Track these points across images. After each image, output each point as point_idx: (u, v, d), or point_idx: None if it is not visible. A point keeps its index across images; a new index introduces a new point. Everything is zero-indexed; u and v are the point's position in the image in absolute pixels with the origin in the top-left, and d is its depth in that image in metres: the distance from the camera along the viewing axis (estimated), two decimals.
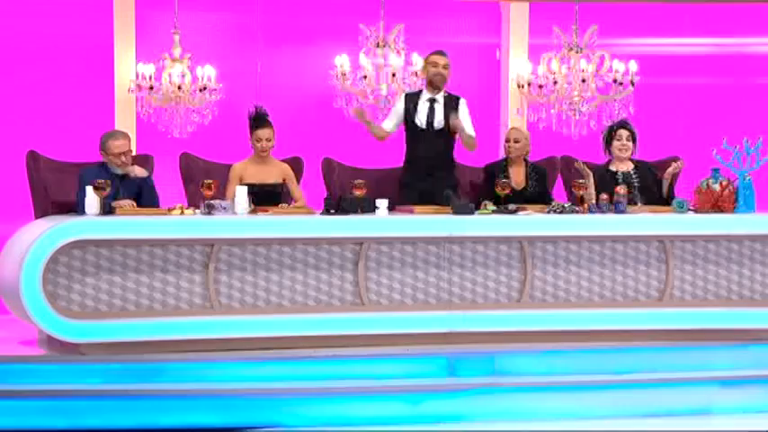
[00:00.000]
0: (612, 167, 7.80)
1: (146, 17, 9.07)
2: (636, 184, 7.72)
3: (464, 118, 7.70)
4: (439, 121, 7.64)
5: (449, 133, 7.68)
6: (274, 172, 7.43)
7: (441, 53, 7.72)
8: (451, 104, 7.66)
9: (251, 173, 7.37)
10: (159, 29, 8.93)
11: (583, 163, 7.66)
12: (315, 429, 6.12)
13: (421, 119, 7.62)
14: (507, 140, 7.84)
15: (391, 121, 7.71)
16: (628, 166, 7.80)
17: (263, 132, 7.38)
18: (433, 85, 7.66)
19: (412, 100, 7.67)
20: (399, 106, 7.72)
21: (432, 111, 7.63)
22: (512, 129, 8.02)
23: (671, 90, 9.88)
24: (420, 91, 7.75)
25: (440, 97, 7.68)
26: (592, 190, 7.52)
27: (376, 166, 8.15)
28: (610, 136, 7.84)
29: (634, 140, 7.81)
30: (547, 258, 6.89)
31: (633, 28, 9.75)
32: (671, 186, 7.77)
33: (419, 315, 6.74)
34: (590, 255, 6.93)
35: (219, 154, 8.28)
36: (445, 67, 7.66)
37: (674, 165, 7.64)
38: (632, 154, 7.84)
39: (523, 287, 6.85)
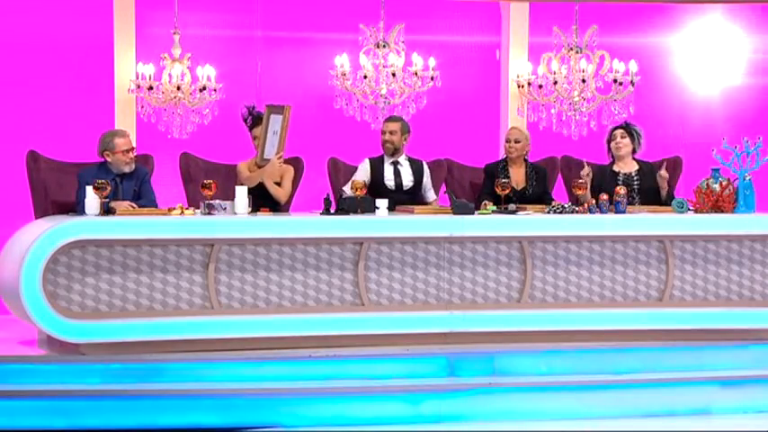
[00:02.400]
0: (615, 168, 7.81)
1: (146, 17, 9.06)
2: (636, 187, 7.72)
3: (426, 182, 7.82)
4: (407, 182, 7.73)
5: (415, 192, 7.77)
6: (275, 172, 7.42)
7: (392, 119, 7.82)
8: (416, 167, 7.76)
9: (254, 170, 7.40)
10: (159, 29, 8.92)
11: (588, 166, 7.68)
12: (315, 429, 6.13)
13: (389, 181, 7.70)
14: (507, 140, 7.85)
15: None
16: (631, 168, 7.80)
17: (257, 131, 7.45)
18: (385, 151, 7.75)
19: (376, 165, 7.73)
20: (366, 168, 7.73)
21: (398, 173, 7.72)
22: (512, 129, 8.03)
23: (671, 90, 9.88)
24: (381, 156, 7.80)
25: (402, 160, 7.77)
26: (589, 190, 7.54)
27: None
28: (609, 138, 7.89)
29: (632, 137, 7.81)
30: (547, 258, 6.89)
31: (633, 28, 9.75)
32: (669, 193, 7.76)
33: (419, 315, 6.74)
34: (590, 255, 6.93)
35: (219, 154, 8.28)
36: (392, 133, 7.71)
37: (659, 176, 7.68)
38: (634, 152, 7.85)
39: (523, 287, 6.85)
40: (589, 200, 7.35)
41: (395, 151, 7.74)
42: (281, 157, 7.27)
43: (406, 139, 7.77)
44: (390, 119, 7.85)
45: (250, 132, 7.60)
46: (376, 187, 7.68)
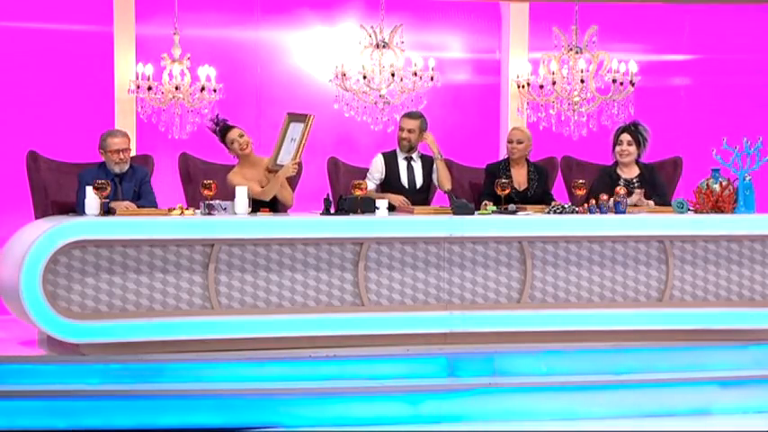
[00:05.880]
0: (618, 171, 7.76)
1: (146, 17, 9.06)
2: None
3: (440, 171, 7.78)
4: (419, 181, 7.75)
5: (428, 190, 7.81)
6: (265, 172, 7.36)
7: (410, 116, 7.77)
8: (428, 164, 7.77)
9: (248, 177, 7.29)
10: (159, 29, 8.92)
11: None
12: (315, 429, 6.13)
13: (404, 179, 7.71)
14: (510, 141, 7.82)
15: (375, 183, 7.70)
16: (633, 173, 7.75)
17: (233, 133, 7.28)
18: (401, 148, 7.75)
19: (390, 161, 7.73)
20: (379, 165, 7.74)
21: (411, 170, 7.73)
22: (514, 130, 7.98)
23: (671, 90, 9.87)
24: (394, 150, 7.80)
25: (416, 156, 7.78)
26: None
27: None
28: (615, 140, 7.80)
29: (638, 144, 7.73)
30: (547, 258, 6.89)
31: (633, 29, 9.74)
32: (663, 203, 7.72)
33: (419, 315, 6.74)
34: (590, 255, 6.93)
35: (219, 154, 8.26)
36: (411, 131, 7.70)
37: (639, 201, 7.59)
38: (638, 157, 7.76)
39: (523, 287, 6.85)
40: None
41: (410, 148, 7.74)
42: (296, 164, 7.17)
43: (422, 137, 7.77)
44: (409, 115, 7.78)
45: (223, 142, 7.41)
46: (391, 185, 7.67)
